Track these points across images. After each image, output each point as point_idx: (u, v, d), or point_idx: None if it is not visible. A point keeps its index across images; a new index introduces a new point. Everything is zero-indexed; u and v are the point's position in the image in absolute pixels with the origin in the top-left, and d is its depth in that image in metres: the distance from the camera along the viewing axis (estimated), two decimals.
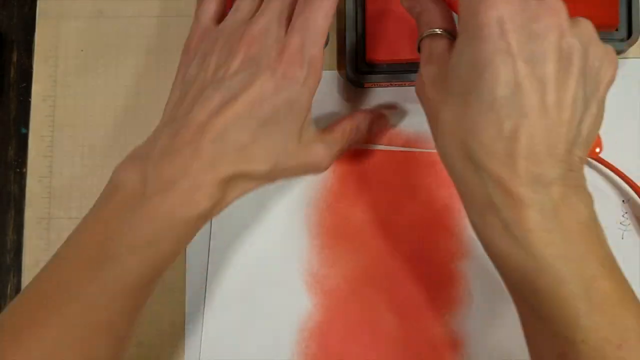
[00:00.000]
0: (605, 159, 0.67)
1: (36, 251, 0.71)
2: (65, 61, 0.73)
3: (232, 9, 0.63)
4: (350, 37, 0.70)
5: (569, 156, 0.50)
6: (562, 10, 0.50)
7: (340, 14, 0.72)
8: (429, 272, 0.69)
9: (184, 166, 0.54)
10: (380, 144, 0.70)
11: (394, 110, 0.70)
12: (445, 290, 0.68)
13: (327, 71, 0.72)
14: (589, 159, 0.68)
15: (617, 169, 0.67)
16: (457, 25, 0.55)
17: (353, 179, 0.70)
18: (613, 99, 0.69)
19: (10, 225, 0.72)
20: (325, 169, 0.63)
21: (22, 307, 0.54)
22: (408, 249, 0.69)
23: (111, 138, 0.72)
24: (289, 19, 0.61)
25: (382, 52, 0.69)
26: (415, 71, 0.69)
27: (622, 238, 0.68)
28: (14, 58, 0.74)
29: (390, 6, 0.69)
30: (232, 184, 0.57)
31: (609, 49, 0.53)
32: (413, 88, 0.70)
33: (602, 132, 0.69)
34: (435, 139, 0.55)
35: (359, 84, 0.70)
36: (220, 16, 0.65)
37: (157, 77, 0.73)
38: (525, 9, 0.49)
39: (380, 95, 0.71)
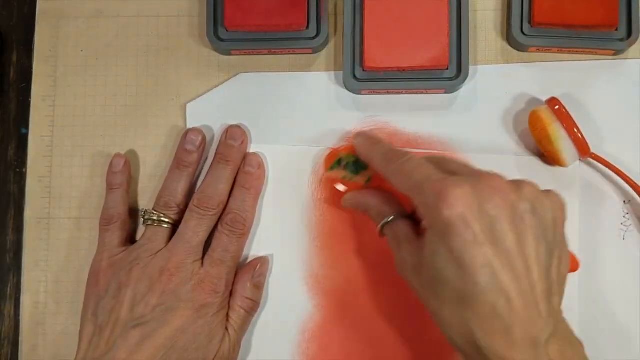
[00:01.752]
0: (606, 159, 0.67)
1: (36, 251, 0.71)
2: (65, 61, 0.73)
3: (142, 238, 0.67)
4: (348, 44, 0.70)
5: (551, 307, 0.54)
6: (504, 184, 0.55)
7: (339, 21, 0.72)
8: None
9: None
10: None
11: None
12: None
13: (325, 76, 0.72)
14: (590, 160, 0.68)
15: (617, 168, 0.67)
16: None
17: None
18: (613, 99, 0.70)
19: (10, 225, 0.72)
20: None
21: None
22: None
23: (111, 138, 0.72)
24: (203, 242, 0.66)
25: (381, 60, 0.69)
26: (413, 79, 0.69)
27: (624, 239, 0.68)
28: (14, 58, 0.74)
29: (389, 14, 0.69)
30: None
31: (552, 194, 0.58)
32: (411, 95, 0.70)
33: (603, 132, 0.69)
34: (434, 315, 0.57)
35: (357, 91, 0.70)
36: (126, 241, 0.69)
37: (156, 76, 0.73)
38: (476, 194, 0.54)
39: (378, 102, 0.71)
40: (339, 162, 0.68)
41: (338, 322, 0.68)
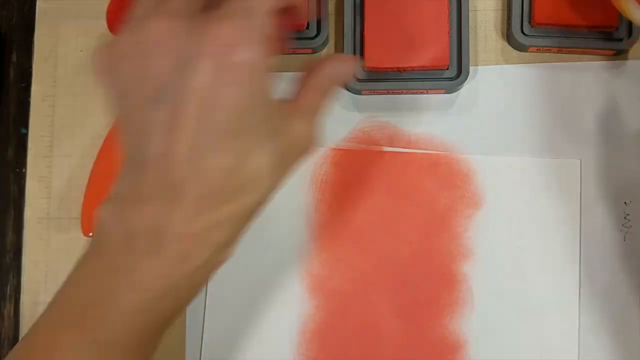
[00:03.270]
0: None
1: (36, 252, 0.71)
2: (65, 61, 0.73)
3: None
4: (348, 44, 0.70)
5: None
6: None
7: (339, 21, 0.72)
8: (431, 273, 0.69)
9: (168, 210, 0.47)
10: (382, 146, 0.70)
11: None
12: (447, 292, 0.68)
13: None
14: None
15: None
16: None
17: (354, 180, 0.70)
18: (613, 100, 0.70)
19: (9, 226, 0.72)
20: (316, 145, 0.53)
21: None
22: (409, 250, 0.69)
23: None
24: None
25: (381, 60, 0.69)
26: (414, 80, 0.69)
27: (624, 240, 0.68)
28: (14, 58, 0.74)
29: (390, 14, 0.69)
30: (232, 219, 0.49)
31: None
32: (412, 95, 0.70)
33: (603, 133, 0.69)
34: None
35: (357, 91, 0.70)
36: None
37: None
38: None
39: (378, 102, 0.71)
40: None
41: (338, 323, 0.68)
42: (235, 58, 0.46)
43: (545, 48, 0.70)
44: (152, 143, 0.47)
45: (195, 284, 0.50)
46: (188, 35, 0.46)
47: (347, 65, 0.56)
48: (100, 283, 0.48)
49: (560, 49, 0.70)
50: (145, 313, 0.47)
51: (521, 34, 0.69)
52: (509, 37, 0.71)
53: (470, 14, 0.71)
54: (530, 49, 0.70)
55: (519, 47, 0.71)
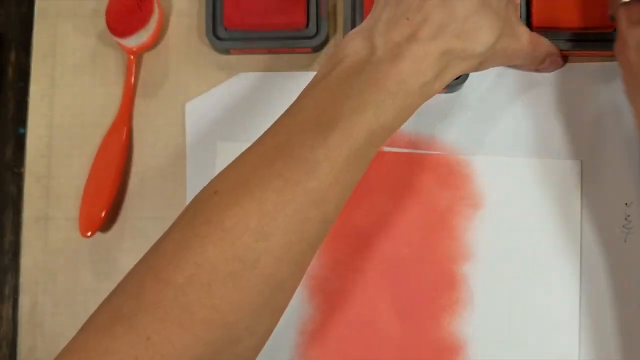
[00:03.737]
0: None
1: (34, 252, 0.71)
2: (63, 60, 0.73)
3: None
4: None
5: None
6: None
7: (338, 20, 0.73)
8: (431, 274, 0.69)
9: (412, 32, 0.55)
10: (382, 146, 0.70)
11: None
12: (447, 293, 0.68)
13: None
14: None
15: None
16: None
17: None
18: (612, 103, 0.70)
19: (8, 226, 0.72)
20: (527, 58, 0.65)
21: (241, 167, 0.53)
22: (409, 251, 0.69)
23: None
24: None
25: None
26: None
27: (625, 241, 0.68)
28: (12, 57, 0.74)
29: None
30: (451, 58, 0.56)
31: None
32: None
33: (603, 134, 0.69)
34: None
35: None
36: None
37: (155, 75, 0.73)
38: None
39: None
40: None
41: (337, 324, 0.68)
42: None
43: None
44: None
45: (417, 98, 0.55)
46: None
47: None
48: (338, 86, 0.54)
49: (560, 53, 0.70)
50: (376, 113, 0.53)
51: None
52: None
53: None
54: None
55: None
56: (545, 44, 0.66)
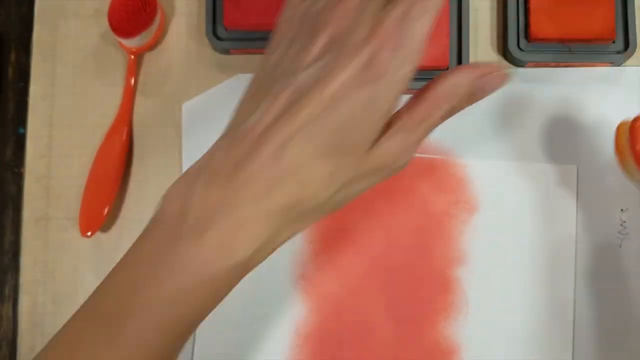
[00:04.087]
0: None
1: (34, 252, 0.71)
2: (64, 60, 0.73)
3: None
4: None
5: None
6: None
7: None
8: (426, 278, 0.69)
9: (231, 195, 0.44)
10: None
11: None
12: (441, 297, 0.68)
13: None
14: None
15: None
16: None
17: None
18: (612, 107, 0.70)
19: (8, 226, 0.72)
20: (402, 168, 0.50)
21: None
22: (404, 254, 0.69)
23: None
24: None
25: None
26: (414, 79, 0.68)
27: (620, 247, 0.68)
28: (12, 57, 0.74)
29: None
30: (286, 219, 0.46)
31: None
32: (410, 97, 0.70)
33: (603, 140, 0.69)
34: None
35: None
36: None
37: (156, 75, 0.73)
38: None
39: None
40: None
41: (332, 327, 0.69)
42: (383, 61, 0.44)
43: (543, 63, 0.70)
44: (254, 118, 0.46)
45: (231, 279, 0.46)
46: (360, 16, 0.46)
47: (486, 78, 0.50)
48: (139, 268, 0.46)
49: (558, 64, 0.70)
50: (177, 305, 0.45)
51: (518, 50, 0.69)
52: (505, 53, 0.71)
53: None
54: (528, 64, 0.70)
55: (516, 63, 0.70)
56: (430, 123, 0.49)
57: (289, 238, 0.47)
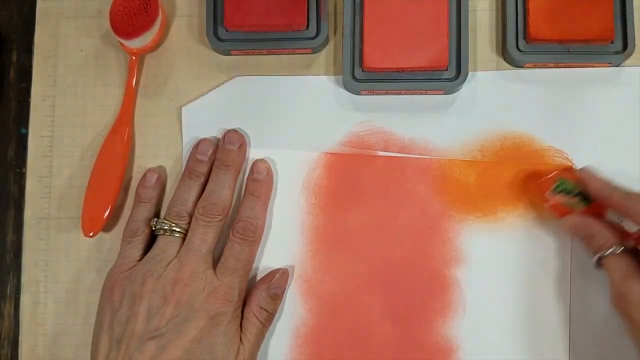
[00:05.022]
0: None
1: (36, 251, 0.71)
2: (65, 61, 0.73)
3: (154, 248, 0.67)
4: (347, 44, 0.70)
5: None
6: None
7: (338, 21, 0.73)
8: (423, 278, 0.69)
9: None
10: (376, 150, 0.70)
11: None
12: (439, 297, 0.69)
13: (322, 77, 0.72)
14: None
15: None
16: None
17: (348, 184, 0.70)
18: (612, 108, 0.70)
19: (10, 225, 0.72)
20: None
21: None
22: (402, 254, 0.69)
23: None
24: (212, 249, 0.67)
25: (380, 60, 0.69)
26: (413, 80, 0.69)
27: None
28: (14, 58, 0.74)
29: (389, 14, 0.69)
30: None
31: None
32: (409, 97, 0.70)
33: (602, 141, 0.69)
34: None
35: (356, 91, 0.70)
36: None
37: (157, 76, 0.73)
38: None
39: (376, 103, 0.71)
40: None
41: (331, 327, 0.69)
42: (222, 313, 0.64)
43: (541, 64, 0.70)
44: None
45: None
46: (195, 283, 0.65)
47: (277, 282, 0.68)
48: None
49: (557, 65, 0.70)
50: None
51: (516, 50, 0.69)
52: (504, 54, 0.71)
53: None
54: (526, 65, 0.70)
55: (515, 64, 0.71)
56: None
57: None
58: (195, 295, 0.63)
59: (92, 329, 0.66)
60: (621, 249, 0.62)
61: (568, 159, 0.69)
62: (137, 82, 0.72)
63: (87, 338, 0.68)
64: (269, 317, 0.67)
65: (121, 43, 0.71)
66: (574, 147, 0.69)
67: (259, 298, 0.67)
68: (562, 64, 0.70)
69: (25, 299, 0.71)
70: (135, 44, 0.70)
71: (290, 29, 0.71)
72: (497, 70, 0.71)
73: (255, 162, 0.70)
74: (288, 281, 0.69)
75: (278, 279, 0.68)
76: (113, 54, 0.73)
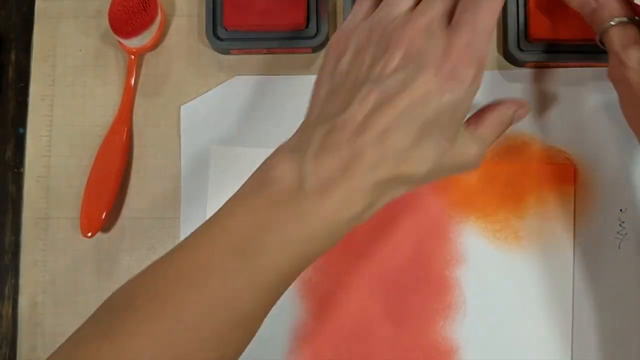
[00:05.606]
0: None
1: (34, 251, 0.71)
2: (64, 61, 0.73)
3: (385, 2, 0.59)
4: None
5: None
6: None
7: (338, 20, 0.73)
8: (424, 278, 0.69)
9: (344, 167, 0.52)
10: None
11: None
12: (440, 297, 0.69)
13: None
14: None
15: None
16: None
17: None
18: (609, 107, 0.69)
19: (8, 226, 0.72)
20: (477, 167, 0.59)
21: (159, 278, 0.53)
22: (402, 255, 0.69)
23: None
24: (451, 15, 0.56)
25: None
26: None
27: (619, 247, 0.68)
28: (12, 58, 0.74)
29: None
30: (387, 188, 0.54)
31: None
32: None
33: (602, 139, 0.69)
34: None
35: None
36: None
37: (156, 75, 0.73)
38: None
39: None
40: None
41: (330, 329, 0.69)
42: (460, 74, 0.54)
43: (542, 63, 0.70)
44: (351, 111, 0.54)
45: (346, 228, 0.54)
46: (430, 37, 0.55)
47: (520, 110, 0.60)
48: (265, 215, 0.52)
49: (558, 64, 0.70)
50: (304, 246, 0.53)
51: (517, 50, 0.69)
52: (505, 53, 0.71)
53: None
54: (527, 64, 0.70)
55: (515, 63, 0.70)
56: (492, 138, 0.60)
57: (391, 200, 0.55)
58: (427, 48, 0.55)
59: None
60: (625, 20, 0.61)
61: (569, 158, 0.69)
62: (136, 82, 0.72)
63: None
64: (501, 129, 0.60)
65: (120, 42, 0.71)
66: (575, 147, 0.69)
67: (506, 110, 0.59)
68: (563, 64, 0.70)
69: (23, 300, 0.70)
70: (134, 43, 0.70)
71: (290, 28, 0.71)
72: (498, 69, 0.71)
73: None
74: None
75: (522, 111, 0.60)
76: (112, 53, 0.73)
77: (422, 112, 0.53)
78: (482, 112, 0.59)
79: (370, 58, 0.56)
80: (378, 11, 0.59)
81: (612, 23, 0.61)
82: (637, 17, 0.61)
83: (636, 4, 0.62)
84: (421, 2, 0.58)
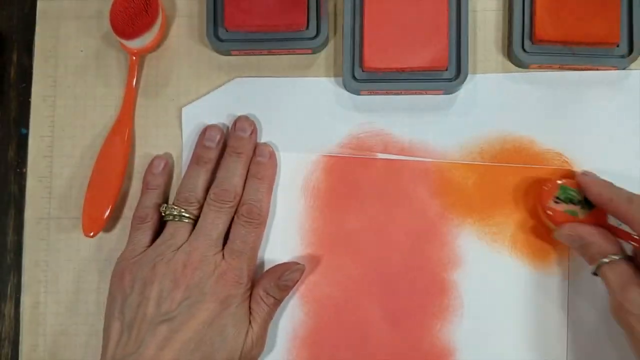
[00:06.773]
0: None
1: (36, 251, 0.71)
2: (66, 61, 0.73)
3: (164, 234, 0.67)
4: (347, 44, 0.70)
5: None
6: None
7: (338, 21, 0.73)
8: (421, 280, 0.69)
9: None
10: (375, 152, 0.70)
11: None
12: (437, 299, 0.69)
13: (324, 78, 0.72)
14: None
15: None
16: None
17: (347, 187, 0.70)
18: (614, 111, 0.69)
19: (10, 226, 0.72)
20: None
21: None
22: (400, 257, 0.69)
23: None
24: (223, 235, 0.67)
25: (380, 60, 0.68)
26: (413, 80, 0.69)
27: None
28: (14, 58, 0.74)
29: (389, 14, 0.68)
30: None
31: None
32: (409, 96, 0.70)
33: (604, 145, 0.69)
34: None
35: (356, 91, 0.70)
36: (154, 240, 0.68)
37: (156, 76, 0.73)
38: None
39: (376, 103, 0.71)
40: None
41: (329, 330, 0.69)
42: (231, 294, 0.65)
43: (546, 65, 0.70)
44: (143, 348, 0.62)
45: None
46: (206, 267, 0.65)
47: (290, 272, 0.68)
48: None
49: (562, 66, 0.70)
50: None
51: (522, 51, 0.69)
52: (509, 54, 0.71)
53: (470, 24, 0.71)
54: (531, 66, 0.70)
55: (520, 64, 0.70)
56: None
57: None
58: (205, 278, 0.64)
59: (92, 329, 0.67)
60: (616, 258, 0.62)
61: (567, 161, 0.69)
62: (138, 83, 0.72)
63: (87, 338, 0.69)
64: (276, 302, 0.67)
65: (121, 43, 0.71)
66: (574, 150, 0.69)
67: (268, 284, 0.67)
68: (567, 66, 0.70)
69: (25, 299, 0.71)
70: (136, 44, 0.70)
71: (290, 29, 0.71)
72: (502, 71, 0.71)
73: (258, 145, 0.70)
74: (299, 278, 0.69)
75: (291, 274, 0.67)
76: (113, 54, 0.73)
77: (207, 333, 0.63)
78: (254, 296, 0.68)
79: (157, 293, 0.64)
80: (158, 244, 0.67)
81: (605, 260, 0.62)
82: (627, 254, 0.62)
83: (621, 230, 0.64)
84: (194, 231, 0.67)
